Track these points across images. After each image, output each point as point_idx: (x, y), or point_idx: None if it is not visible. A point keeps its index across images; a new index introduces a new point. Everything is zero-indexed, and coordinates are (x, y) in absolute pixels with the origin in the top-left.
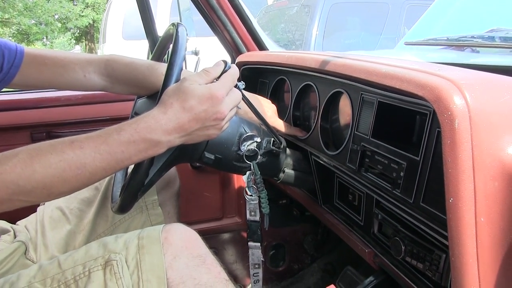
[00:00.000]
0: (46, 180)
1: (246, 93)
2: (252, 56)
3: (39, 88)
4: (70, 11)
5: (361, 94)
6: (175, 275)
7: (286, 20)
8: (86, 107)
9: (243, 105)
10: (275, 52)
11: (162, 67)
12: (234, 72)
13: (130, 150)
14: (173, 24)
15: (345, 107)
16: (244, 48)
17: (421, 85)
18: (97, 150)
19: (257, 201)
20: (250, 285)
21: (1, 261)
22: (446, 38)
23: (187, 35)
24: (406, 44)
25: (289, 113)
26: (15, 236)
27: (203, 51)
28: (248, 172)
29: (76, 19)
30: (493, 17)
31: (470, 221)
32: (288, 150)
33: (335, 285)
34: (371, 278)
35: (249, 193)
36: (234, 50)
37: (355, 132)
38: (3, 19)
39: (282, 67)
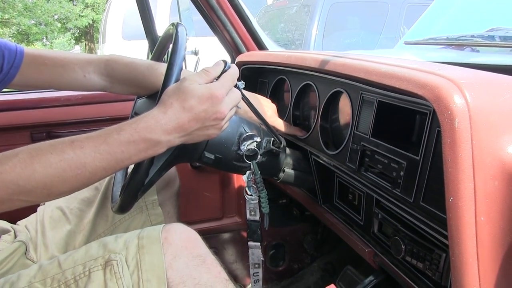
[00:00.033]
0: (46, 180)
1: (246, 93)
2: (252, 55)
3: (39, 88)
4: (69, 11)
5: (361, 93)
6: (175, 275)
7: (285, 20)
8: (86, 107)
9: (243, 105)
10: (274, 51)
11: (162, 67)
12: (234, 71)
13: (130, 150)
14: (172, 24)
15: (345, 106)
16: (244, 48)
17: (421, 84)
18: (97, 150)
19: (257, 201)
20: (250, 284)
21: (2, 261)
22: (446, 38)
23: (186, 35)
24: (405, 44)
25: (289, 113)
26: (15, 236)
27: (203, 51)
28: (248, 172)
29: (76, 19)
30: (493, 16)
31: (470, 221)
32: (288, 150)
33: (335, 284)
34: (371, 278)
35: (249, 192)
36: (233, 50)
37: (355, 131)
38: (3, 20)
39: (282, 66)
